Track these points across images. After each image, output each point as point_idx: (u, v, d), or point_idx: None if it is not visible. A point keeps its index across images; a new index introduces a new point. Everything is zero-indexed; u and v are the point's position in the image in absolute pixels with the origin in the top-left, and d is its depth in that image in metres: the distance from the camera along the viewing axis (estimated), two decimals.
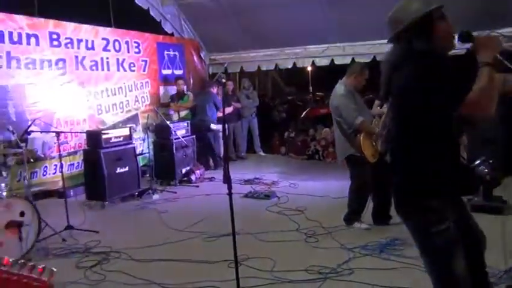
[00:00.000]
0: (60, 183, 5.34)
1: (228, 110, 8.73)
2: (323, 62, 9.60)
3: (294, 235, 4.78)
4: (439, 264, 2.20)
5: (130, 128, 6.88)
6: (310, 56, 9.69)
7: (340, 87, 4.87)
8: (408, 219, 2.31)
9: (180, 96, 8.67)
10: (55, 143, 5.42)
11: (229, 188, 3.22)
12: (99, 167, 6.13)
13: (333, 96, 4.91)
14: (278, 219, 5.40)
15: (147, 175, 7.41)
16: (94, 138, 6.31)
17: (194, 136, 8.08)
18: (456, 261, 2.15)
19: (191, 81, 9.75)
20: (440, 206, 2.17)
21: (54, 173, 6.62)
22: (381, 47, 8.94)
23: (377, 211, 4.96)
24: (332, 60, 9.45)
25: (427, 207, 2.18)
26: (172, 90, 8.89)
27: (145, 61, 8.47)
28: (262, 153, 10.11)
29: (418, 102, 2.09)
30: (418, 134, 2.16)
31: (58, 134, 5.17)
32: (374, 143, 4.69)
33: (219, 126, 8.29)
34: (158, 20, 9.39)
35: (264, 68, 10.38)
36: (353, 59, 9.32)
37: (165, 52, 9.04)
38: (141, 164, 7.22)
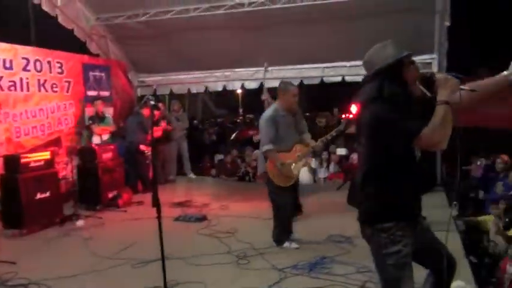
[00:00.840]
0: None
1: (157, 132, 8.58)
2: (252, 84, 9.80)
3: (225, 257, 4.75)
4: (389, 285, 2.41)
5: (52, 151, 6.55)
6: (240, 79, 9.87)
7: (268, 110, 4.98)
8: (368, 242, 2.50)
9: (100, 118, 8.37)
10: None
11: (158, 211, 3.16)
12: (17, 194, 5.77)
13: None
14: (209, 242, 5.35)
15: (71, 200, 7.06)
16: (11, 162, 5.96)
17: (122, 159, 7.84)
18: (405, 283, 2.35)
19: (118, 103, 9.49)
20: (393, 229, 2.35)
21: None
22: (308, 71, 9.35)
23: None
24: (261, 83, 9.67)
25: (380, 229, 2.37)
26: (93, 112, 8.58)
27: (69, 82, 8.15)
28: (192, 176, 10.00)
29: (379, 138, 2.33)
30: (379, 164, 2.39)
31: None
32: (288, 168, 4.83)
33: (148, 149, 8.12)
34: (83, 41, 9.13)
35: (193, 91, 10.41)
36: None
37: (91, 73, 8.76)
38: (64, 189, 6.87)
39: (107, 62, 9.37)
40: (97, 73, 8.92)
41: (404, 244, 2.35)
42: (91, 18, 8.96)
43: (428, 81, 2.35)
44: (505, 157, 7.24)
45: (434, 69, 8.09)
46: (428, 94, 2.37)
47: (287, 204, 4.97)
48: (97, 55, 9.45)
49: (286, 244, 4.95)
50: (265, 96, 6.93)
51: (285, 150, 4.87)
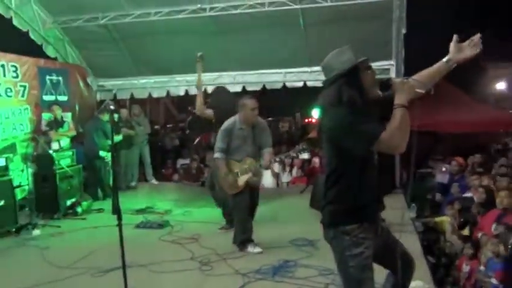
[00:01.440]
0: None
1: (118, 137, 8.40)
2: None
3: (188, 264, 4.69)
4: (350, 286, 2.46)
5: (6, 158, 6.30)
6: (202, 84, 9.80)
7: (228, 121, 5.06)
8: (331, 244, 2.53)
9: (58, 123, 8.13)
10: None
11: (119, 219, 3.09)
12: None
13: None
14: (172, 249, 5.27)
15: (27, 209, 6.80)
16: None
17: (81, 165, 7.63)
18: (366, 284, 2.40)
19: (77, 107, 9.24)
20: (355, 231, 2.40)
21: None
22: (269, 76, 9.43)
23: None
24: (224, 87, 9.66)
25: (343, 231, 2.42)
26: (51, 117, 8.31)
27: (25, 86, 7.87)
28: (154, 182, 9.84)
29: (340, 141, 2.38)
30: (340, 167, 2.44)
31: None
32: (234, 178, 4.93)
33: (109, 154, 7.94)
34: (39, 44, 8.85)
35: (155, 95, 10.26)
36: (244, 87, 9.66)
37: (48, 77, 8.49)
38: (19, 197, 6.63)
39: (64, 66, 9.11)
40: (54, 77, 8.65)
41: (366, 246, 2.40)
42: (47, 21, 8.70)
43: (386, 86, 2.41)
44: (460, 159, 7.53)
45: (392, 75, 8.33)
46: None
47: (242, 207, 4.99)
48: (54, 59, 9.18)
49: (250, 248, 4.95)
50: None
51: (237, 160, 4.99)
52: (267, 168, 4.96)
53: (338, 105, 2.39)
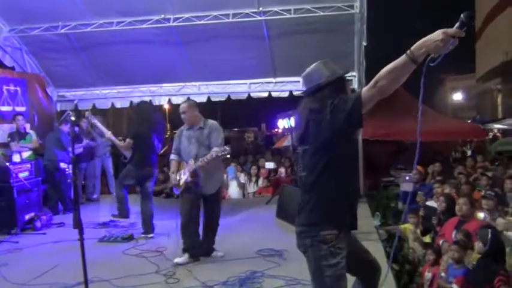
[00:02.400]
0: None
1: (78, 149, 8.17)
2: (179, 100, 9.71)
3: (153, 278, 4.59)
4: None
5: None
6: (167, 94, 9.75)
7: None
8: (305, 253, 2.54)
9: (20, 134, 7.85)
10: None
11: (80, 233, 3.00)
12: None
13: None
14: (136, 263, 5.15)
15: None
16: None
17: (39, 178, 7.37)
18: None
19: (36, 118, 8.96)
20: (334, 241, 2.43)
21: None
22: (234, 87, 9.46)
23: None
24: (188, 98, 9.62)
25: (322, 241, 2.43)
26: (11, 128, 8.02)
27: None
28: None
29: (340, 123, 2.37)
30: (322, 174, 2.48)
31: None
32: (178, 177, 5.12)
33: (69, 166, 7.71)
34: None
35: (118, 106, 10.09)
36: (209, 98, 9.65)
37: (5, 87, 8.21)
38: None
39: (22, 76, 8.83)
40: (11, 87, 8.37)
41: (342, 257, 2.44)
42: (3, 29, 8.42)
43: None
44: (420, 168, 7.74)
45: (355, 85, 8.51)
46: None
47: (183, 212, 5.04)
48: (12, 68, 8.89)
49: (177, 259, 4.97)
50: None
51: (185, 160, 5.17)
52: (198, 165, 4.93)
53: (322, 109, 2.45)
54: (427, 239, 5.44)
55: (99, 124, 7.03)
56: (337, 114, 2.37)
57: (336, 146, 2.46)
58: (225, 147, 4.86)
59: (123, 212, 6.50)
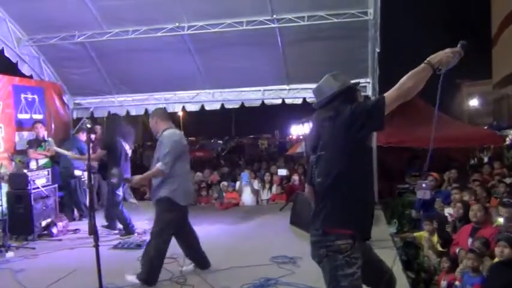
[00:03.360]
0: None
1: (94, 156, 8.26)
2: (193, 107, 9.81)
3: (167, 285, 4.61)
4: None
5: None
6: (181, 102, 9.82)
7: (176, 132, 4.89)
8: (320, 263, 2.53)
9: (39, 142, 7.98)
10: None
11: (96, 239, 3.02)
12: None
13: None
14: None
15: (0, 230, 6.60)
16: None
17: (56, 185, 7.46)
18: None
19: (52, 126, 9.10)
20: (350, 251, 2.42)
21: None
22: (248, 94, 9.49)
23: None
24: (202, 105, 9.69)
25: (337, 250, 2.42)
26: (31, 136, 8.17)
27: None
28: (132, 201, 9.68)
29: (358, 129, 2.46)
30: (344, 177, 2.50)
31: None
32: None
33: (84, 174, 7.79)
34: (14, 61, 8.72)
35: (133, 113, 10.18)
36: (222, 105, 9.71)
37: (22, 95, 8.35)
38: None
39: (39, 84, 8.98)
40: (29, 95, 8.52)
41: (358, 266, 2.41)
42: (22, 39, 8.59)
43: None
44: (435, 175, 7.65)
45: (369, 92, 8.48)
46: None
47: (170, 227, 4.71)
48: (30, 77, 9.05)
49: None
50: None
51: None
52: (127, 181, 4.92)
53: (338, 115, 2.55)
54: (442, 247, 5.35)
55: (58, 149, 7.51)
56: (358, 116, 2.45)
57: (351, 153, 2.47)
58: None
59: (129, 230, 6.80)
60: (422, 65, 2.46)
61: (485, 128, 16.67)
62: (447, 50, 2.50)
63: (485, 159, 13.05)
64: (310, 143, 2.78)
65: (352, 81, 2.77)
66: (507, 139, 16.40)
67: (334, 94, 2.65)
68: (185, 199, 4.69)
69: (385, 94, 2.44)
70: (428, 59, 2.48)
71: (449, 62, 2.49)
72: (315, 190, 2.64)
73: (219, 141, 31.45)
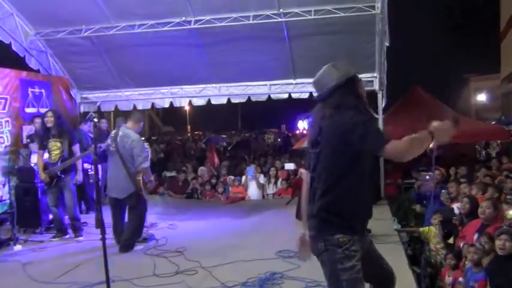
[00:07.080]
0: None
1: (99, 149, 8.27)
2: (200, 101, 9.82)
3: (173, 278, 4.63)
4: None
5: None
6: (187, 96, 9.84)
7: (131, 132, 5.66)
8: (319, 257, 2.51)
9: (42, 137, 7.95)
10: None
11: (103, 232, 3.04)
12: None
13: (127, 138, 5.59)
14: (156, 263, 5.19)
15: (7, 223, 6.65)
16: None
17: None
18: None
19: None
20: (347, 244, 2.40)
21: None
22: (254, 89, 9.48)
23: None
24: (209, 100, 9.70)
25: (335, 244, 2.40)
26: (31, 130, 8.16)
27: (5, 99, 7.76)
28: None
29: (353, 142, 2.38)
30: (339, 176, 2.46)
31: None
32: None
33: (91, 167, 7.82)
34: (22, 56, 8.76)
35: (140, 107, 10.21)
36: (229, 99, 9.70)
37: (30, 89, 8.39)
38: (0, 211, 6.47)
39: (46, 78, 9.02)
40: (36, 89, 8.55)
41: (357, 259, 2.40)
42: (29, 33, 8.63)
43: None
44: (441, 169, 7.62)
45: (376, 86, 8.44)
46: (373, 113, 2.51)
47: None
48: (37, 71, 9.09)
49: (138, 246, 5.65)
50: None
51: None
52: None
53: (339, 112, 2.46)
54: (450, 240, 5.33)
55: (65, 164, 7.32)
56: (362, 139, 2.36)
57: (349, 154, 2.45)
58: None
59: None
60: (427, 134, 2.35)
61: (493, 123, 16.53)
62: (450, 124, 2.43)
63: (493, 154, 12.97)
64: (310, 138, 2.71)
65: (353, 70, 2.62)
66: None
67: (333, 88, 2.55)
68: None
69: (390, 142, 2.31)
70: (432, 129, 2.36)
71: (447, 134, 2.41)
72: (312, 185, 2.62)
73: (223, 136, 31.56)
